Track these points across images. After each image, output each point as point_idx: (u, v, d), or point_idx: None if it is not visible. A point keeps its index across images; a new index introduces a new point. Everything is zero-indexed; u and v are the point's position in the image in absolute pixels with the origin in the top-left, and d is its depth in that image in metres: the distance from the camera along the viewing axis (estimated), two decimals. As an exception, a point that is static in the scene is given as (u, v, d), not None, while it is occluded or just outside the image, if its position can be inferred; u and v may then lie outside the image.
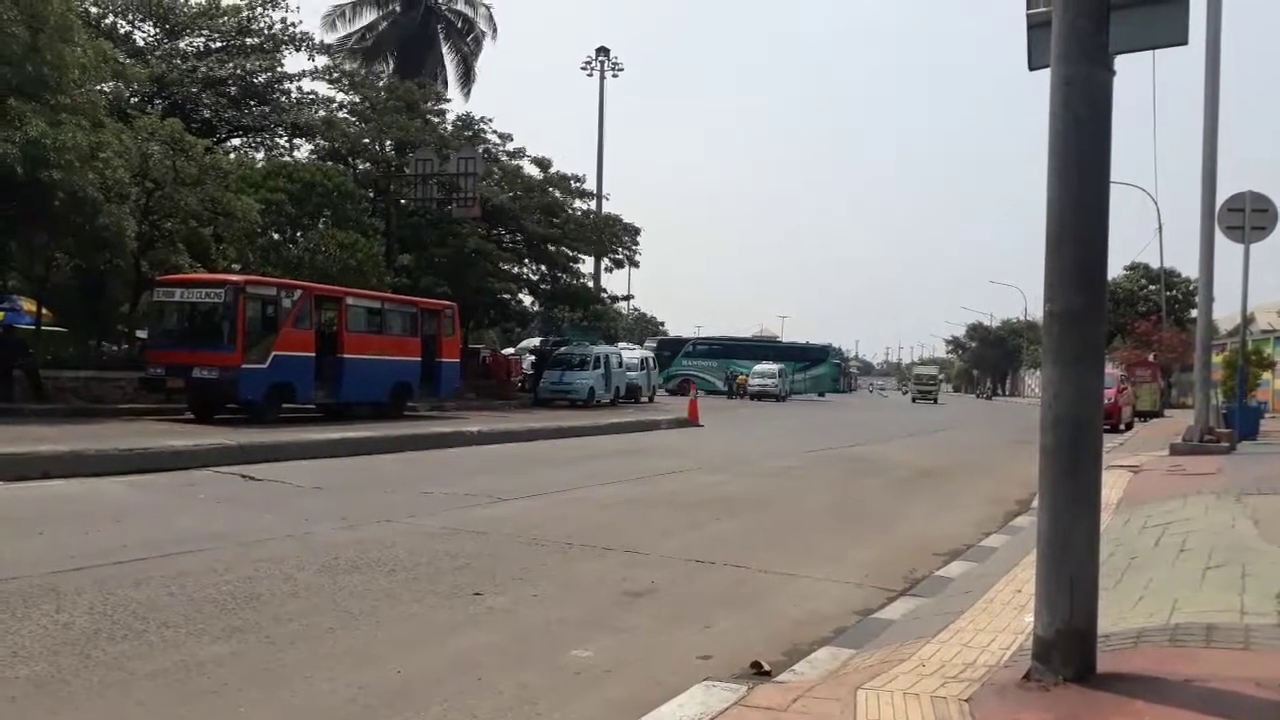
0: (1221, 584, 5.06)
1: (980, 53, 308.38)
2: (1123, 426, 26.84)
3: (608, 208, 42.08)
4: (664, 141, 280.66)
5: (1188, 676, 3.53)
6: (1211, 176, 14.08)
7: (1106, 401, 19.78)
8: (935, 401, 64.74)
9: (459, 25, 44.53)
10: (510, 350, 42.14)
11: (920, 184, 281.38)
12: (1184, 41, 3.85)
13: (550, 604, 5.47)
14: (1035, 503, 4.43)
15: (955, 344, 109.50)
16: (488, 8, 44.49)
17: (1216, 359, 20.50)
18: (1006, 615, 4.86)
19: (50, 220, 18.08)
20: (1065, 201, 3.59)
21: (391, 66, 40.20)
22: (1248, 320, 17.88)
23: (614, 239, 38.80)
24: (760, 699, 3.63)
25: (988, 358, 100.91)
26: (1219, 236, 14.57)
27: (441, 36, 44.20)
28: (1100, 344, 3.67)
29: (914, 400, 65.26)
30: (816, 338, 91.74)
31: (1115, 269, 54.46)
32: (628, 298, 49.47)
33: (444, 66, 43.56)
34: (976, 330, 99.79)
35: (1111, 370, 30.82)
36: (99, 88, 20.48)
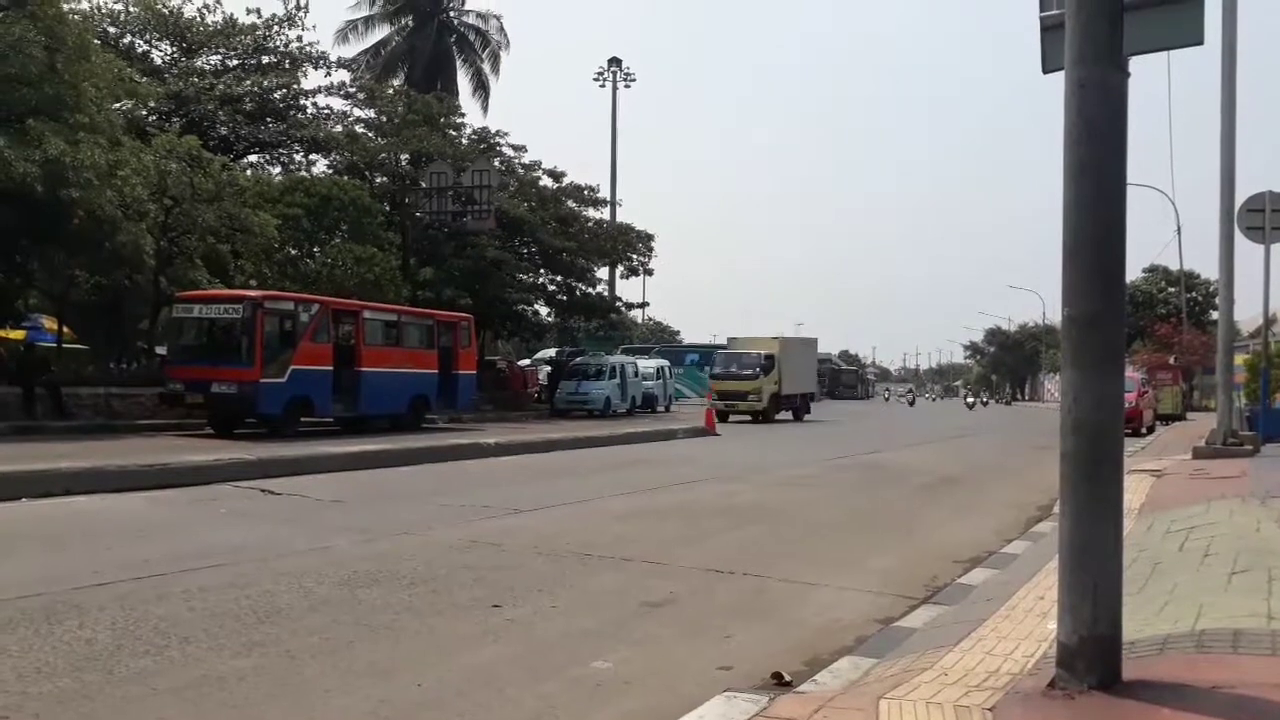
0: (1247, 589, 4.99)
1: (998, 55, 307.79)
2: (1144, 430, 26.63)
3: (622, 215, 42.23)
4: (678, 148, 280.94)
5: (1215, 683, 3.48)
6: (1230, 176, 13.98)
7: (1127, 405, 19.65)
8: (792, 413, 34.39)
9: (472, 39, 44.78)
10: (526, 361, 42.21)
11: (939, 188, 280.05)
12: (1200, 41, 3.82)
13: (569, 615, 5.46)
14: (1057, 508, 4.39)
15: (973, 349, 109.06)
16: (499, 19, 44.78)
17: (1239, 361, 20.31)
18: (1029, 622, 4.81)
19: (70, 239, 18.29)
20: (1082, 205, 3.56)
21: (404, 82, 40.49)
22: (1269, 321, 17.72)
23: (628, 247, 38.86)
24: (781, 710, 3.60)
25: (1006, 362, 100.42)
26: (1239, 237, 14.45)
27: (455, 51, 44.46)
28: (1120, 348, 3.64)
29: (723, 411, 30.13)
30: (833, 344, 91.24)
31: (1134, 271, 54.13)
32: (643, 305, 49.36)
33: (457, 81, 43.80)
34: (995, 335, 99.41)
35: (1132, 374, 30.58)
36: (115, 106, 20.70)
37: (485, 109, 44.75)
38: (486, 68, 44.75)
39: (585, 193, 36.73)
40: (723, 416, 29.68)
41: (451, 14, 44.71)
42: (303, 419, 18.84)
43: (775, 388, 32.93)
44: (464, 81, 44.24)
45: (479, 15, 44.92)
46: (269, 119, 28.23)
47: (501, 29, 44.79)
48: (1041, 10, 4.19)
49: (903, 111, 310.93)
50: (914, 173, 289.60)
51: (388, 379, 20.46)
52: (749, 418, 32.41)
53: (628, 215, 61.15)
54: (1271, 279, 14.88)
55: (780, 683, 4.17)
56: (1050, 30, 4.06)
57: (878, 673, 4.19)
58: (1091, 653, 3.43)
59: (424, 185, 30.67)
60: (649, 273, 40.50)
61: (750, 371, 32.69)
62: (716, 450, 19.52)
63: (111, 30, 25.67)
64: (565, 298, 37.35)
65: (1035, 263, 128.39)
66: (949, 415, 48.52)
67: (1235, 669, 3.65)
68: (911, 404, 72.27)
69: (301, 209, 25.01)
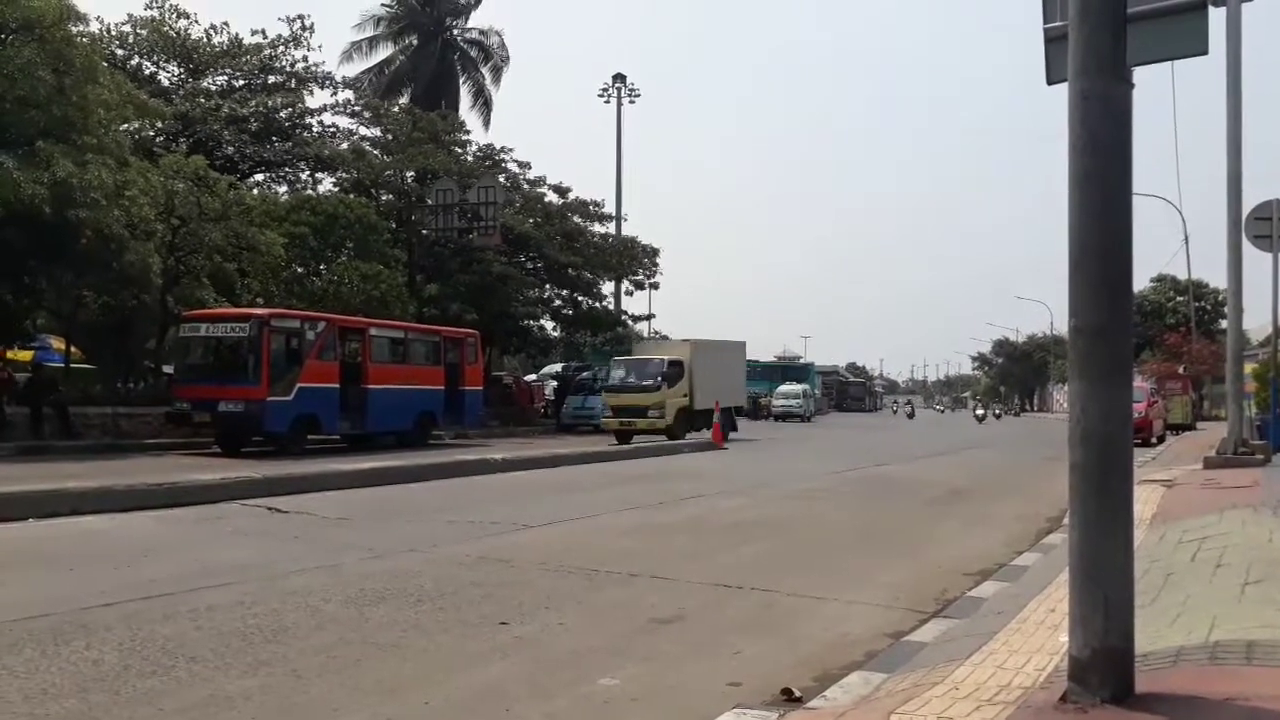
0: (1261, 600, 4.95)
1: (997, 64, 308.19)
2: (1154, 440, 26.51)
3: (628, 229, 42.29)
4: (678, 148, 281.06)
5: (1229, 695, 3.44)
6: (1237, 184, 13.93)
7: (1136, 415, 19.51)
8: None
9: (474, 55, 45.04)
10: (533, 376, 42.22)
11: (944, 199, 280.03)
12: (1204, 52, 3.81)
13: (577, 632, 5.43)
14: (1066, 520, 4.36)
15: (981, 360, 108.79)
16: (500, 34, 45.09)
17: (1248, 370, 20.21)
18: (1041, 635, 4.78)
19: (77, 258, 18.38)
20: (1087, 216, 3.55)
21: (408, 99, 40.71)
22: (1279, 330, 17.62)
23: (633, 261, 38.93)
24: (791, 726, 3.57)
25: (1014, 373, 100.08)
26: (1247, 246, 14.40)
27: (459, 69, 44.72)
28: (1127, 358, 3.62)
29: (620, 430, 26.22)
30: (840, 357, 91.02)
31: (1141, 281, 54.01)
32: (649, 317, 49.35)
33: (460, 97, 44.04)
34: (1003, 346, 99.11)
35: (1141, 384, 30.48)
36: (123, 127, 20.86)
37: (487, 124, 45.02)
38: (488, 83, 45.09)
39: (590, 208, 36.88)
40: (623, 437, 25.18)
41: (454, 32, 45.00)
42: (309, 436, 18.87)
43: (684, 401, 26.25)
44: (466, 97, 44.58)
45: (481, 32, 45.27)
46: (275, 138, 28.42)
47: (503, 44, 45.19)
48: (1045, 22, 4.18)
49: (908, 125, 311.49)
50: (915, 176, 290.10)
51: (394, 396, 20.49)
52: (663, 437, 25.06)
53: (631, 221, 61.19)
54: (1280, 287, 14.82)
55: (790, 698, 4.13)
56: (1054, 42, 4.05)
57: (888, 687, 4.15)
58: (1104, 665, 3.40)
59: (430, 202, 30.82)
60: (654, 286, 40.59)
61: (650, 382, 25.92)
62: (723, 464, 19.48)
63: (119, 52, 25.89)
64: (571, 312, 37.41)
65: (1040, 270, 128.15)
66: (957, 428, 48.34)
67: (1249, 681, 3.62)
68: (911, 415, 71.30)
69: (308, 227, 25.12)
